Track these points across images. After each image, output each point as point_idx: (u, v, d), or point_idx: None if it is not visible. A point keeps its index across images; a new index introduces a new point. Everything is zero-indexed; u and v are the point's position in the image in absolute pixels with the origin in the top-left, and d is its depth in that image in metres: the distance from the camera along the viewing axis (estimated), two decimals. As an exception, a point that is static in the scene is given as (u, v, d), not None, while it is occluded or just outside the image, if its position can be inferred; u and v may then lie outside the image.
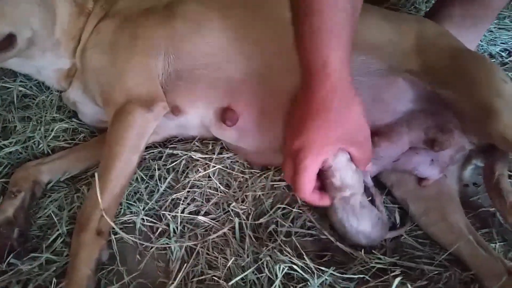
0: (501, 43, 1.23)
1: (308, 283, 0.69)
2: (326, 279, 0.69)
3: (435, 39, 0.86)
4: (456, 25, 1.05)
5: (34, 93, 1.03)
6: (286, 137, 0.71)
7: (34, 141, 0.94)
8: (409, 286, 0.66)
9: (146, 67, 0.86)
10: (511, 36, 1.23)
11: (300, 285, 0.69)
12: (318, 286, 0.68)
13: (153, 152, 0.92)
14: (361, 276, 0.69)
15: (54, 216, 0.81)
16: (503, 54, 1.21)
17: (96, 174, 0.74)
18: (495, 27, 1.27)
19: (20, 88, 1.03)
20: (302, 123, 0.67)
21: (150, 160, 0.90)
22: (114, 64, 0.86)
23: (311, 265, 0.70)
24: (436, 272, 0.73)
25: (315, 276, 0.69)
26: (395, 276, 0.65)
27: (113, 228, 0.74)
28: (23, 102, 1.02)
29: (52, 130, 0.96)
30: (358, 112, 0.67)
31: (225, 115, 0.83)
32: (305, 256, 0.72)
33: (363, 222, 0.73)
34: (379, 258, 0.74)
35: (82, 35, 0.93)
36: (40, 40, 0.89)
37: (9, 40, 0.84)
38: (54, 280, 0.67)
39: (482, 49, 1.22)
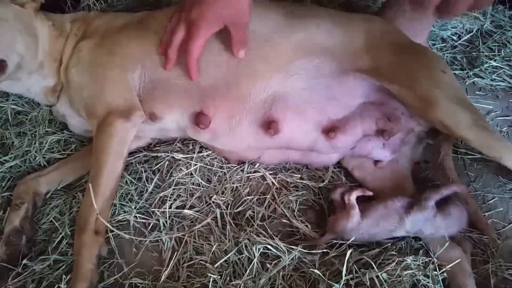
0: (451, 27, 1.32)
1: (281, 259, 0.81)
2: (295, 255, 0.81)
3: (382, 37, 0.95)
4: (408, 18, 1.14)
5: (26, 110, 1.12)
6: (185, 4, 0.84)
7: (31, 155, 1.03)
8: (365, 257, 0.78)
9: (123, 81, 0.94)
10: (460, 20, 1.32)
11: (275, 261, 0.81)
12: (289, 261, 0.81)
13: (138, 156, 1.02)
14: (324, 250, 0.81)
15: (56, 221, 0.91)
16: (454, 38, 1.31)
17: (89, 183, 0.83)
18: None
19: (13, 106, 1.11)
20: None
21: (137, 164, 1.00)
22: (95, 80, 0.95)
23: (282, 244, 0.82)
24: (390, 243, 0.85)
25: (287, 254, 0.81)
26: (350, 247, 0.78)
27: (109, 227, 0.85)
28: (17, 119, 1.11)
29: (46, 143, 1.05)
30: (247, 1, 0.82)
31: (198, 119, 0.91)
32: (276, 237, 0.84)
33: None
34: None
35: (63, 55, 1.01)
36: (26, 63, 0.98)
37: (1, 66, 0.93)
38: (64, 276, 0.78)
39: (434, 34, 1.32)
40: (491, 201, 0.95)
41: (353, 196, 0.85)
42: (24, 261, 0.84)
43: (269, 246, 0.83)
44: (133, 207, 0.91)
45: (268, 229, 0.87)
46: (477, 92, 1.17)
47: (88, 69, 0.96)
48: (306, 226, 0.89)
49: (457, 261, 0.78)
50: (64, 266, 0.84)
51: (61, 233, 0.88)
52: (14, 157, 1.02)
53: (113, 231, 0.86)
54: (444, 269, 0.77)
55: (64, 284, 0.77)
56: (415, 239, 0.87)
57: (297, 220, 0.90)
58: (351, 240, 0.82)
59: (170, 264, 0.82)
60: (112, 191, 0.87)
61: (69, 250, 0.86)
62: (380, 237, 0.85)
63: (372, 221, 0.83)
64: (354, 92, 0.92)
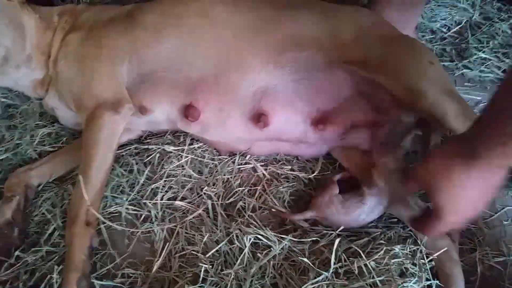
0: (440, 19, 1.33)
1: (272, 249, 0.82)
2: (286, 244, 0.82)
3: (370, 29, 0.95)
4: (396, 9, 1.15)
5: (16, 103, 1.11)
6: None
7: (22, 148, 1.03)
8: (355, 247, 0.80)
9: (111, 74, 0.94)
10: (449, 12, 1.34)
11: (266, 251, 0.82)
12: (279, 250, 0.82)
13: (129, 149, 1.02)
14: (314, 239, 0.83)
15: (48, 214, 0.91)
16: (443, 29, 1.33)
17: (79, 175, 0.84)
18: (434, 5, 1.37)
19: (3, 99, 1.11)
20: None
21: (128, 157, 1.00)
22: (83, 73, 0.95)
23: (273, 234, 0.83)
24: (379, 233, 0.87)
25: (277, 243, 0.83)
26: (338, 236, 0.79)
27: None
28: (8, 112, 1.11)
29: (37, 136, 1.05)
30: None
31: (188, 112, 0.92)
32: (266, 228, 0.85)
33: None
34: (330, 226, 0.87)
35: (52, 48, 1.01)
36: (14, 57, 0.97)
37: None
38: (56, 267, 0.79)
39: (424, 25, 1.33)
40: (478, 190, 0.96)
41: (335, 177, 0.89)
42: (17, 253, 0.84)
43: (259, 236, 0.84)
44: (124, 199, 0.92)
45: (259, 220, 0.88)
46: (466, 84, 1.19)
47: (76, 62, 0.96)
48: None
49: (444, 249, 0.79)
50: (56, 258, 0.84)
51: (53, 225, 0.89)
52: (5, 150, 1.02)
53: (104, 222, 0.87)
54: (431, 257, 0.79)
55: (56, 275, 0.78)
56: (404, 228, 0.88)
57: (288, 210, 0.92)
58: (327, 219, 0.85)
59: (162, 255, 0.83)
60: (102, 183, 0.87)
61: (61, 241, 0.87)
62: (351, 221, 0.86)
63: (343, 202, 0.85)
64: (343, 83, 0.93)
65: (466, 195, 0.64)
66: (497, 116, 0.57)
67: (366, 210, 0.85)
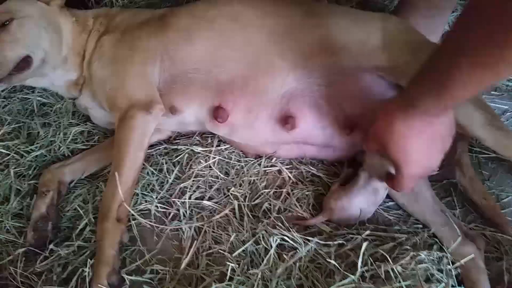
0: (467, 27, 1.32)
1: (298, 251, 0.83)
2: (312, 247, 0.84)
3: (398, 35, 0.96)
4: (423, 16, 1.16)
5: (51, 101, 1.16)
6: None
7: (55, 145, 1.07)
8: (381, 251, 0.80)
9: (144, 75, 0.97)
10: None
11: (291, 253, 0.83)
12: (305, 252, 0.83)
13: (159, 149, 1.05)
14: (340, 242, 0.84)
15: (80, 209, 0.94)
16: (469, 37, 1.32)
17: (115, 172, 0.86)
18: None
19: (39, 98, 1.15)
20: None
21: (158, 156, 1.03)
22: (116, 74, 0.98)
23: (299, 236, 0.84)
24: (404, 238, 0.87)
25: (303, 245, 0.84)
26: (365, 240, 0.80)
27: (132, 215, 0.89)
28: (42, 110, 1.15)
29: (70, 134, 1.09)
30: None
31: (217, 113, 0.94)
32: (292, 230, 0.86)
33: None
34: (356, 229, 0.88)
35: (86, 50, 1.05)
36: (51, 58, 1.02)
37: (26, 62, 0.98)
38: (89, 260, 0.82)
39: (451, 33, 1.33)
40: (505, 199, 0.95)
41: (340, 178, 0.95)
42: (51, 246, 0.87)
43: (286, 238, 0.85)
44: (154, 197, 0.94)
45: (284, 222, 0.89)
46: (492, 92, 1.18)
47: (110, 63, 1.00)
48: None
49: (471, 256, 0.79)
50: (87, 252, 0.87)
51: (84, 220, 0.92)
52: (40, 146, 1.06)
53: (135, 218, 0.89)
54: (458, 263, 0.79)
55: (88, 268, 0.80)
56: (429, 235, 0.88)
57: (312, 214, 0.93)
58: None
59: (190, 252, 0.85)
60: (134, 181, 0.90)
61: (92, 237, 0.89)
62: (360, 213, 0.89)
63: (343, 190, 0.90)
64: (370, 89, 0.93)
65: (414, 145, 0.69)
66: (429, 68, 0.61)
67: (364, 192, 0.88)
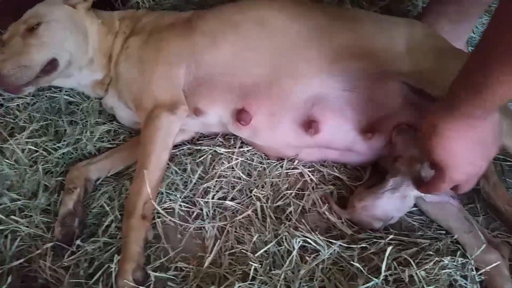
0: (492, 33, 1.31)
1: (320, 253, 0.84)
2: (335, 250, 0.84)
3: (423, 41, 0.96)
4: (451, 21, 1.15)
5: (77, 100, 1.18)
6: None
7: (82, 143, 1.09)
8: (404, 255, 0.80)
9: (169, 76, 0.99)
10: (501, 27, 1.31)
11: (314, 255, 0.84)
12: (328, 255, 0.83)
13: (183, 149, 1.07)
14: (363, 246, 0.84)
15: (106, 206, 0.96)
16: (494, 44, 1.30)
17: (144, 170, 0.88)
18: (486, 19, 1.36)
19: (66, 97, 1.18)
20: None
21: (182, 156, 1.04)
22: (143, 75, 1.00)
23: (321, 238, 0.85)
24: (428, 243, 0.87)
25: (326, 248, 0.84)
26: (389, 244, 0.80)
27: (157, 212, 0.90)
28: (69, 108, 1.17)
29: (96, 132, 1.11)
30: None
31: (240, 116, 0.95)
32: (314, 232, 0.87)
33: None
34: (379, 233, 0.89)
35: (113, 51, 1.08)
36: (77, 60, 1.05)
37: (53, 64, 1.01)
38: (116, 255, 0.83)
39: (475, 40, 1.32)
40: (529, 207, 0.95)
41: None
42: (77, 242, 0.89)
43: (308, 240, 0.86)
44: (178, 196, 0.96)
45: (307, 224, 0.90)
46: (517, 100, 1.17)
47: (137, 64, 1.02)
48: (342, 222, 0.92)
49: (497, 263, 0.79)
50: (113, 248, 0.89)
51: (110, 217, 0.93)
52: (67, 144, 1.09)
53: (159, 216, 0.91)
54: (482, 270, 0.79)
55: (114, 264, 0.82)
56: (452, 242, 0.88)
57: (334, 216, 0.93)
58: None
59: (213, 251, 0.86)
60: (158, 180, 0.92)
61: (118, 233, 0.91)
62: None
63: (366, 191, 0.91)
64: (394, 94, 0.94)
65: (459, 148, 0.69)
66: (470, 67, 0.62)
67: (390, 196, 0.88)
